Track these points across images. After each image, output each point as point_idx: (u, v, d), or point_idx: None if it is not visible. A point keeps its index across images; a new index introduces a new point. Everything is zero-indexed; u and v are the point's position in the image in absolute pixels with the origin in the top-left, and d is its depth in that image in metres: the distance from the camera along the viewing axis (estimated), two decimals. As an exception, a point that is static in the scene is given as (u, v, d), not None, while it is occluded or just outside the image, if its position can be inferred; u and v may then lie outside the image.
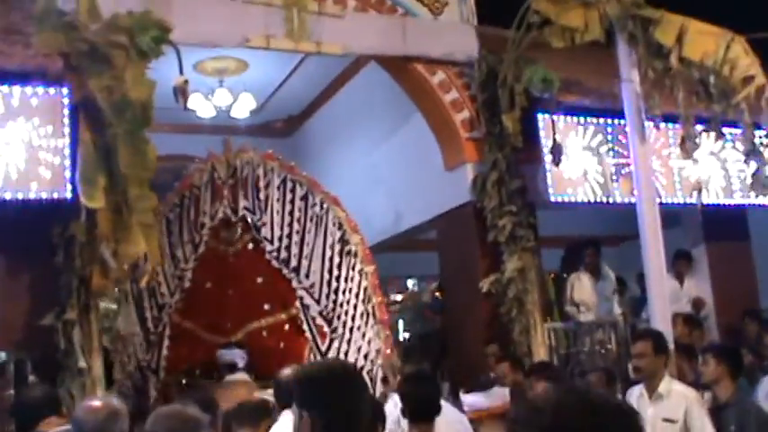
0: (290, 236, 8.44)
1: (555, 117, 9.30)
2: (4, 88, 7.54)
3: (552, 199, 9.43)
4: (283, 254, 8.43)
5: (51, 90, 7.65)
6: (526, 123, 9.40)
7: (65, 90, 7.65)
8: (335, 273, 8.23)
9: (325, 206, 8.42)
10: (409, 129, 10.95)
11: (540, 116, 9.49)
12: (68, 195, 7.46)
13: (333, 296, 8.29)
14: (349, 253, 8.25)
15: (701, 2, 9.30)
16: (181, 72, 7.83)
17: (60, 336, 7.36)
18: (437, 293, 16.67)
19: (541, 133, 9.46)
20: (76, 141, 7.44)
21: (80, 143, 7.41)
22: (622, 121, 9.48)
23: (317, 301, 8.35)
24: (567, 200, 9.51)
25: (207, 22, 8.78)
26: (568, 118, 9.69)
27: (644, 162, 8.76)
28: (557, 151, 9.10)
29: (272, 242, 8.49)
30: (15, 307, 7.76)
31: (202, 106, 12.04)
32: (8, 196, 7.43)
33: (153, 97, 7.69)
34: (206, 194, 8.78)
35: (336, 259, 8.25)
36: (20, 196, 7.48)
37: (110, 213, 7.42)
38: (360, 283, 8.10)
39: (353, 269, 8.17)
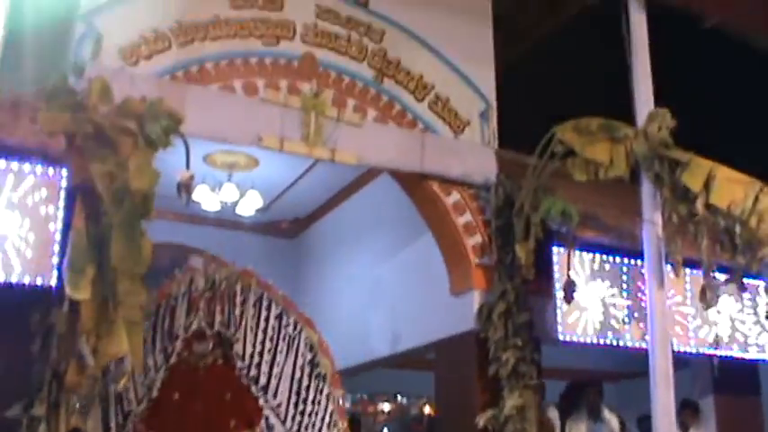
0: (261, 354, 8.25)
1: (570, 253, 8.95)
2: (1, 163, 7.22)
3: (561, 337, 9.02)
4: (253, 371, 8.23)
5: (50, 170, 7.30)
6: (539, 255, 9.03)
7: (64, 172, 7.32)
8: (303, 395, 8.04)
9: (298, 327, 8.23)
10: (417, 247, 10.60)
11: (554, 249, 9.14)
12: (53, 282, 7.06)
13: (299, 417, 8.07)
14: (318, 376, 8.07)
15: (731, 148, 9.05)
16: (188, 166, 7.51)
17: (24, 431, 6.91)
18: (425, 408, 16.40)
19: (555, 267, 9.09)
20: (69, 227, 7.09)
21: (72, 229, 7.06)
22: (639, 263, 9.15)
23: (283, 422, 8.09)
24: (576, 339, 9.10)
25: (221, 117, 8.50)
26: (584, 254, 9.34)
27: (660, 308, 8.38)
28: (569, 288, 8.72)
29: (243, 359, 8.28)
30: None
31: (208, 199, 11.77)
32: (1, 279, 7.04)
33: (155, 188, 7.37)
34: (182, 305, 8.55)
35: (305, 381, 8.08)
36: (11, 280, 7.05)
37: (94, 306, 7.01)
38: (327, 407, 7.93)
39: (321, 393, 8.00)
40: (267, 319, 8.31)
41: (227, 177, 11.76)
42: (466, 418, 9.11)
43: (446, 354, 9.89)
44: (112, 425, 8.14)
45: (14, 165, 7.24)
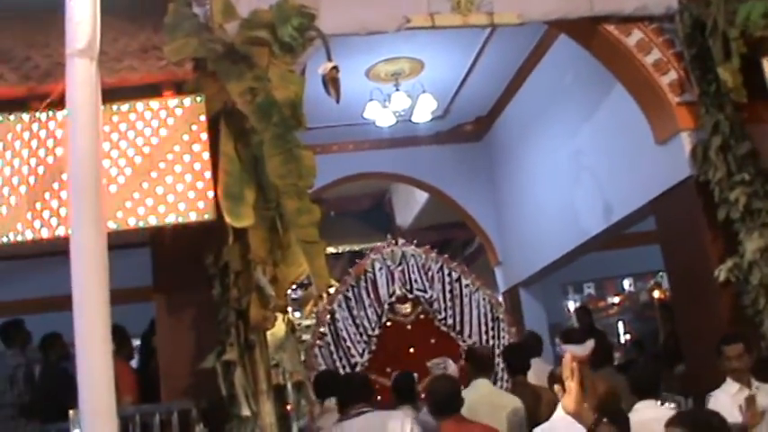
0: (453, 308, 10.31)
1: (786, 59, 7.27)
2: (138, 104, 6.28)
3: (793, 160, 7.36)
4: (449, 321, 10.31)
5: (187, 100, 6.29)
6: (747, 74, 7.40)
7: (200, 99, 6.30)
8: (490, 333, 10.27)
9: (475, 287, 10.43)
10: (610, 103, 9.04)
11: (765, 62, 7.45)
12: (214, 217, 6.07)
13: None
14: (495, 319, 10.33)
15: None
16: (329, 59, 6.34)
17: (221, 380, 5.98)
18: (655, 292, 15.06)
19: (769, 82, 7.44)
20: (217, 154, 6.10)
21: (222, 155, 6.06)
22: None
23: (478, 355, 10.26)
24: (811, 159, 7.40)
25: (360, 7, 7.28)
26: (803, 57, 7.59)
27: None
28: (796, 96, 7.09)
29: (440, 312, 10.30)
30: (178, 350, 6.49)
31: (381, 115, 10.65)
32: (153, 223, 6.09)
33: (303, 95, 6.29)
34: (381, 278, 10.24)
35: (490, 324, 10.31)
36: (168, 222, 6.11)
37: (263, 232, 6.03)
38: (507, 339, 10.18)
39: (502, 329, 10.32)
40: (451, 283, 10.38)
41: (394, 88, 10.59)
42: (703, 274, 7.63)
43: (667, 210, 8.31)
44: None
45: (151, 102, 6.30)
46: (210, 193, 6.03)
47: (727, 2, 7.41)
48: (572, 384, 3.19)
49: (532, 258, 11.62)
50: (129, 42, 7.16)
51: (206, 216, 6.02)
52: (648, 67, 7.96)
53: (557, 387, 3.41)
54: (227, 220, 5.82)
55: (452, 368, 8.22)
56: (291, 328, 6.42)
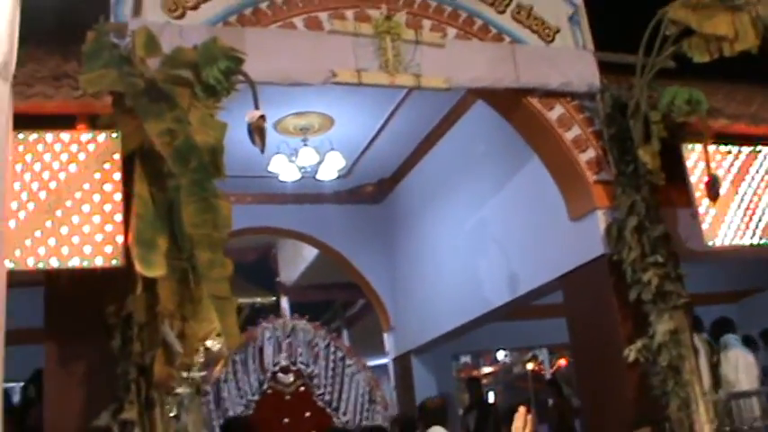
0: (333, 385, 11.05)
1: (707, 145, 7.25)
2: (47, 135, 5.77)
3: (709, 244, 7.30)
4: (327, 397, 11.03)
5: (101, 136, 5.81)
6: (666, 157, 7.37)
7: (116, 136, 5.83)
8: (365, 414, 11.05)
9: (357, 368, 11.26)
10: (524, 176, 8.91)
11: (684, 147, 7.42)
12: (122, 263, 5.58)
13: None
14: (373, 401, 11.16)
15: None
16: (256, 106, 5.96)
17: (117, 440, 5.44)
18: (528, 365, 15.16)
19: (688, 167, 7.40)
20: (130, 197, 5.62)
21: (135, 198, 5.58)
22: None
23: (350, 432, 10.91)
24: (726, 244, 7.36)
25: (287, 58, 6.95)
26: (720, 147, 7.60)
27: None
28: (714, 185, 7.05)
29: (320, 388, 11.03)
30: (67, 404, 5.87)
31: (286, 169, 10.22)
32: (55, 265, 5.56)
33: (223, 142, 5.85)
34: (269, 348, 10.95)
35: (366, 405, 11.13)
36: (72, 265, 5.59)
37: (174, 284, 5.54)
38: (381, 421, 10.86)
39: (378, 413, 11.10)
40: (335, 361, 11.17)
41: (302, 143, 10.22)
42: (611, 353, 7.47)
43: (576, 286, 8.15)
44: None
45: (62, 135, 5.79)
46: (120, 238, 5.55)
47: (651, 86, 7.40)
48: None
49: (428, 326, 11.32)
50: (38, 68, 6.68)
51: (113, 262, 5.53)
52: (568, 143, 7.87)
53: None
54: (138, 268, 5.31)
55: None
56: (197, 388, 5.93)
